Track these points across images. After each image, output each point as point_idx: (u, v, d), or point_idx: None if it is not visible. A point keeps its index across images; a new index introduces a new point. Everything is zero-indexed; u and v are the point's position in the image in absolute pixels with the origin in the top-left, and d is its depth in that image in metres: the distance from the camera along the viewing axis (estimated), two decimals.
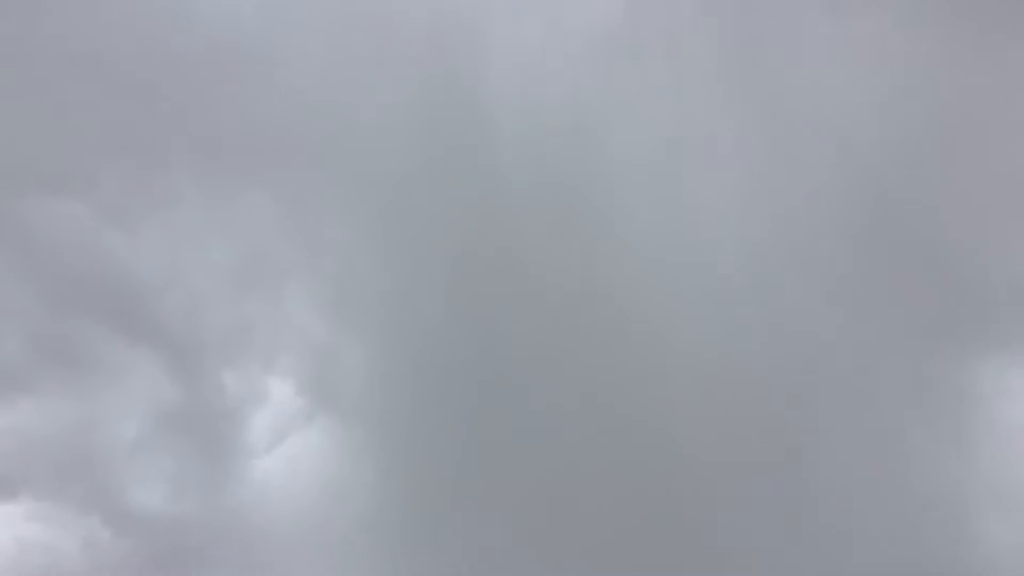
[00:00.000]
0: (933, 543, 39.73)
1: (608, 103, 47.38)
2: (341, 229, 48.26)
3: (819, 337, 43.08)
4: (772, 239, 44.76)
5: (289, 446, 47.39)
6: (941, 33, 45.67)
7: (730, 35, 47.44)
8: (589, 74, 47.59)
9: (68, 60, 43.99)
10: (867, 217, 43.90)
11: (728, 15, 47.54)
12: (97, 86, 44.39)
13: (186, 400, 45.71)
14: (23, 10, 43.98)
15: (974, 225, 45.03)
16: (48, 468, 43.23)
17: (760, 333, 43.66)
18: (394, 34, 48.56)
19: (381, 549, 40.51)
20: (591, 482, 42.99)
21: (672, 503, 41.18)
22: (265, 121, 46.63)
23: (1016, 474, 43.80)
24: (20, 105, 43.20)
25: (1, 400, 43.21)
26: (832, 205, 43.51)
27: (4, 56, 43.25)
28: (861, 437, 42.29)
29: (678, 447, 42.38)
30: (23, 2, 44.45)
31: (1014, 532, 41.65)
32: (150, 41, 45.63)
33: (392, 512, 42.17)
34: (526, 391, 43.36)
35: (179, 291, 47.17)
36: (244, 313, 47.90)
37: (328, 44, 48.23)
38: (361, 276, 47.46)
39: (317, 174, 49.08)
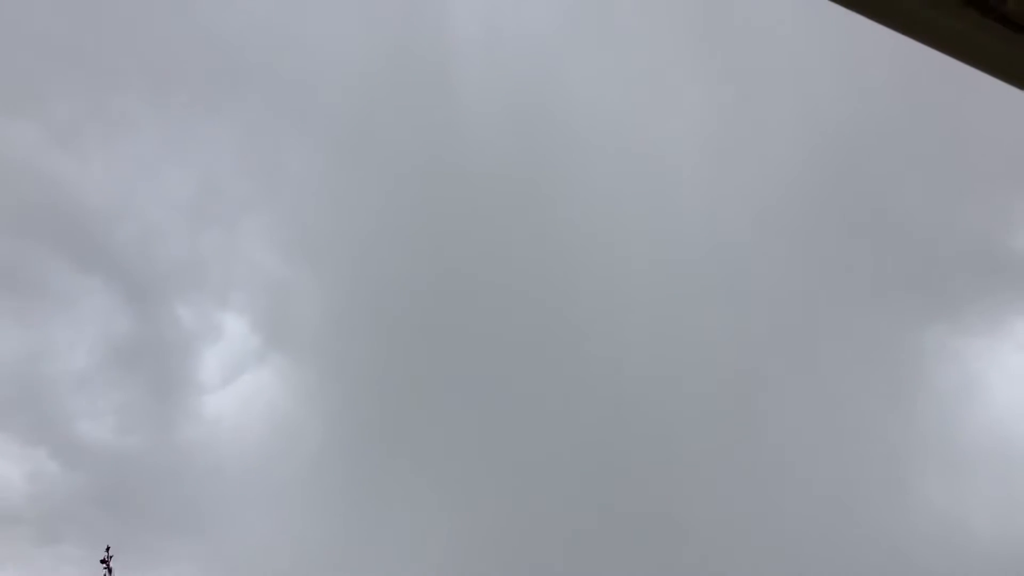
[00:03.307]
0: (871, 497, 40.84)
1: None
2: (300, 163, 47.47)
3: (773, 295, 43.66)
4: (733, 200, 45.02)
5: (242, 384, 47.07)
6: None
7: None
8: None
9: None
10: (827, 182, 44.37)
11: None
12: (48, 2, 42.91)
13: (138, 332, 45.05)
14: None
15: (928, 197, 45.75)
16: None
17: (716, 290, 44.15)
18: None
19: (327, 491, 40.56)
20: (537, 428, 43.37)
21: (624, 455, 41.74)
22: (225, 49, 45.44)
23: (953, 435, 44.97)
24: None
25: None
26: (795, 167, 43.88)
27: None
28: (806, 392, 43.09)
29: (629, 394, 42.88)
30: None
31: (948, 490, 42.89)
32: None
33: (340, 456, 42.17)
34: (481, 339, 43.42)
35: (132, 220, 46.21)
36: (199, 246, 47.14)
37: None
38: (319, 213, 46.84)
39: (277, 106, 48.09)
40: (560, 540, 40.14)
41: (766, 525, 38.34)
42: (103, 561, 2.57)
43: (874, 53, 44.81)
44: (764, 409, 42.08)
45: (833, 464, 40.63)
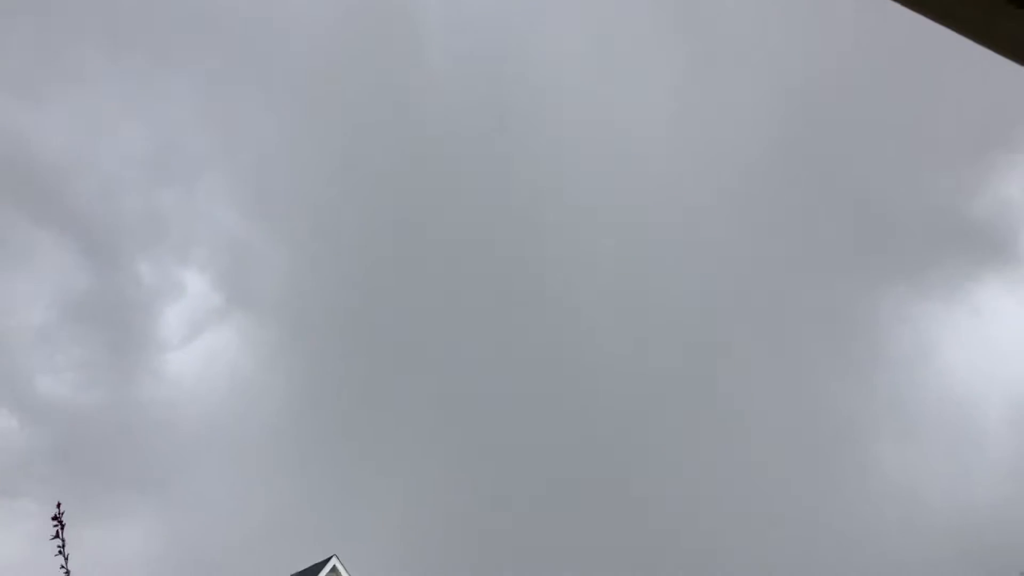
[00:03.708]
0: (828, 464, 41.44)
1: None
2: (262, 119, 46.92)
3: (735, 262, 43.94)
4: (696, 167, 45.17)
5: (203, 342, 46.73)
6: None
7: None
8: None
9: None
10: (790, 148, 44.59)
11: None
12: None
13: (97, 288, 44.53)
14: None
15: (889, 162, 46.10)
16: None
17: (678, 258, 44.38)
18: None
19: (289, 453, 40.44)
20: (498, 391, 43.47)
21: (586, 419, 41.97)
22: (186, 1, 44.69)
23: (907, 401, 45.68)
24: None
25: None
26: (758, 133, 43.99)
27: None
28: (767, 358, 43.56)
29: (594, 361, 43.06)
30: None
31: (902, 457, 43.62)
32: None
33: (303, 417, 42.02)
34: (449, 303, 43.36)
35: (90, 174, 45.53)
36: (159, 202, 46.55)
37: None
38: (282, 170, 46.38)
39: (238, 60, 47.40)
40: (522, 504, 40.43)
41: (726, 492, 38.81)
42: (54, 517, 2.59)
43: (838, 18, 44.94)
44: (725, 376, 42.46)
45: (791, 430, 41.13)
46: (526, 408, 43.43)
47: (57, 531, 2.89)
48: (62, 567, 2.95)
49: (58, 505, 2.87)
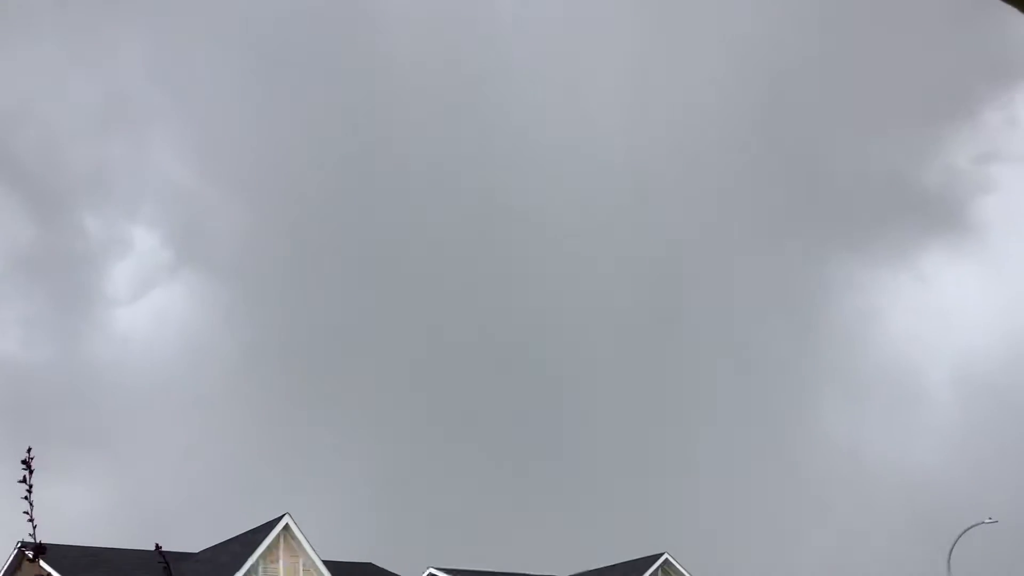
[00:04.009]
0: (773, 423, 42.09)
1: None
2: (216, 72, 46.15)
3: (689, 224, 44.20)
4: (653, 131, 45.28)
5: (153, 299, 46.17)
6: None
7: None
8: None
9: None
10: (746, 115, 44.83)
11: None
12: None
13: (43, 242, 43.80)
14: None
15: (834, 132, 46.56)
16: None
17: (635, 217, 44.53)
18: None
19: (241, 411, 40.13)
20: (462, 343, 43.46)
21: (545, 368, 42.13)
22: None
23: (855, 362, 46.47)
24: None
25: None
26: (715, 99, 44.10)
27: None
28: (720, 316, 44.06)
29: (554, 320, 43.20)
30: None
31: (846, 418, 44.37)
32: None
33: (255, 376, 41.70)
34: (406, 253, 43.09)
35: (35, 126, 44.61)
36: (107, 155, 45.76)
37: None
38: (237, 125, 45.69)
39: (191, 9, 46.52)
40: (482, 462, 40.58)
41: (673, 452, 39.25)
42: (24, 462, 2.56)
43: None
44: (675, 334, 42.82)
45: (739, 389, 41.63)
46: (491, 366, 43.39)
47: (25, 476, 2.86)
48: (26, 513, 2.93)
49: (28, 450, 2.84)
